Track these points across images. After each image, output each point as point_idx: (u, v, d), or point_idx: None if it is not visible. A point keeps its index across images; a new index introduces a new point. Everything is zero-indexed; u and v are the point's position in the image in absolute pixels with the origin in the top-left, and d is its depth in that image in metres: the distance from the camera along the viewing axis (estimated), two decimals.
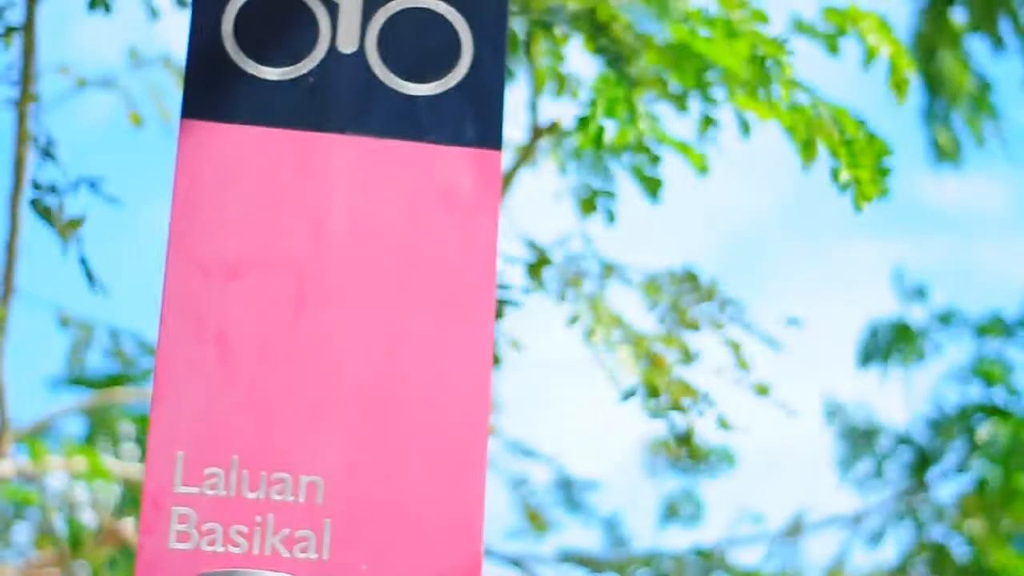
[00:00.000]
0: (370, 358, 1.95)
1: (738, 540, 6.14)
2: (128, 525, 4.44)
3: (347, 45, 2.05)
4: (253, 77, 2.03)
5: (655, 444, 7.05)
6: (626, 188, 3.23)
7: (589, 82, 3.15)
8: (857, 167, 2.74)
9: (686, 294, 3.12)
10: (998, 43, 6.21)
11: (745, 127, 3.02)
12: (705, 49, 2.87)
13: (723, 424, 2.89)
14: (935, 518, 6.55)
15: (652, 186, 3.19)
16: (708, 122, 3.14)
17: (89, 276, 3.29)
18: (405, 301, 1.98)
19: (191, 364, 1.93)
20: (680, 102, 3.05)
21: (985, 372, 6.82)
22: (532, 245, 3.23)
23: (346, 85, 2.03)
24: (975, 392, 6.83)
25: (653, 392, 2.91)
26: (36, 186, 3.47)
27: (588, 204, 3.29)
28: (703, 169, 3.09)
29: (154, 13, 3.76)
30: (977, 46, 6.41)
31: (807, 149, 2.79)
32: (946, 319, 7.00)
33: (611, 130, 2.79)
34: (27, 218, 4.10)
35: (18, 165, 3.99)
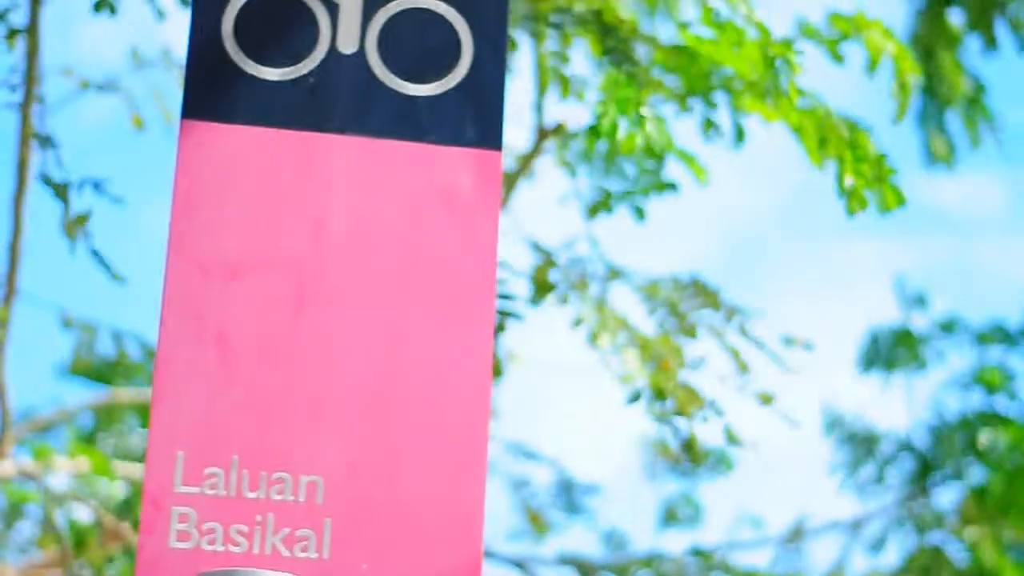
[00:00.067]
0: (370, 358, 1.96)
1: (738, 544, 6.13)
2: (131, 525, 4.45)
3: (347, 45, 2.06)
4: (253, 77, 2.03)
5: (655, 447, 7.04)
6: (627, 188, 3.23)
7: (594, 83, 3.16)
8: (860, 174, 2.74)
9: (687, 300, 3.12)
10: (991, 43, 6.21)
11: (740, 134, 3.02)
12: (711, 52, 2.87)
13: (731, 438, 2.89)
14: (935, 525, 6.54)
15: (664, 187, 3.19)
16: (710, 125, 3.14)
17: (104, 266, 3.30)
18: (405, 301, 1.98)
19: (191, 364, 1.94)
20: (684, 103, 3.05)
21: (986, 379, 6.82)
22: (537, 247, 3.23)
23: (346, 85, 2.04)
24: (976, 399, 6.83)
25: (659, 395, 2.91)
26: (45, 180, 3.48)
27: (603, 205, 3.29)
28: (704, 179, 3.09)
29: (160, 15, 3.76)
30: (972, 47, 6.41)
31: (818, 150, 2.79)
32: (948, 328, 6.99)
33: (623, 129, 2.79)
34: (30, 219, 4.10)
35: (21, 166, 4.00)
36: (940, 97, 6.45)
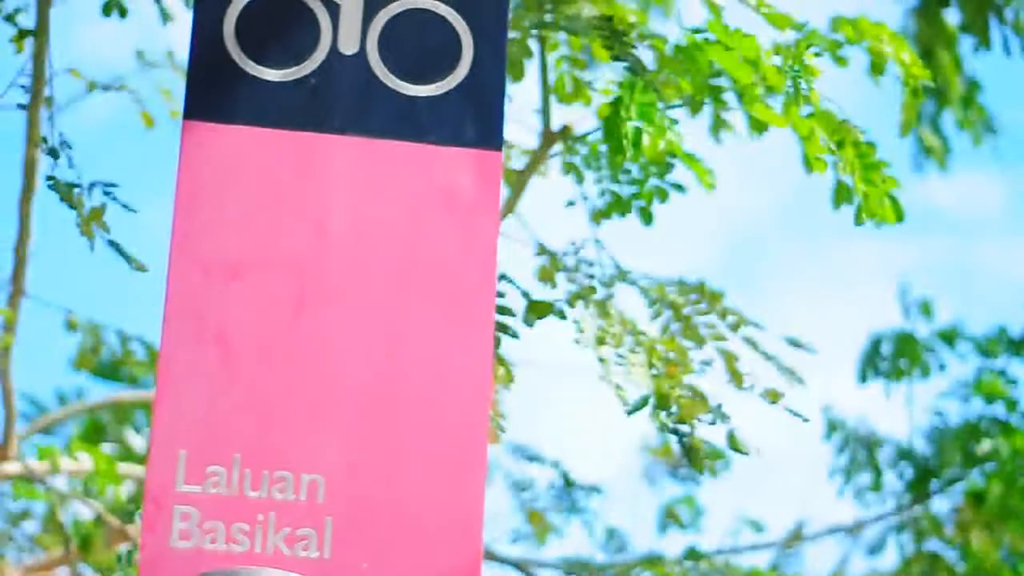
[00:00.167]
0: (370, 358, 1.96)
1: (738, 547, 6.12)
2: (135, 525, 4.45)
3: (348, 46, 2.06)
4: (255, 78, 2.04)
5: (655, 451, 7.04)
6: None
7: (598, 86, 3.16)
8: (871, 182, 2.74)
9: (692, 303, 3.12)
10: (985, 44, 6.20)
11: (756, 125, 3.00)
12: (720, 59, 2.87)
13: (734, 445, 2.88)
14: (934, 531, 6.54)
15: (661, 193, 3.19)
16: (720, 124, 3.14)
17: (124, 256, 3.30)
18: (405, 301, 1.98)
19: (193, 364, 1.94)
20: (696, 105, 3.05)
21: (987, 387, 6.81)
22: (543, 249, 3.23)
23: (347, 86, 2.04)
24: (977, 406, 6.82)
25: (663, 405, 2.90)
26: (51, 180, 3.48)
27: (616, 207, 3.28)
28: (710, 186, 3.09)
29: (166, 17, 3.77)
30: (967, 48, 6.41)
31: (822, 156, 2.79)
32: (950, 338, 6.98)
33: (646, 137, 2.79)
34: (36, 221, 4.11)
35: (28, 168, 4.00)
36: (936, 97, 6.45)
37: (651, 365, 2.95)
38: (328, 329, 1.97)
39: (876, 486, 6.78)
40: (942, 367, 6.99)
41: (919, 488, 6.69)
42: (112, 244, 3.31)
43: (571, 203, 3.43)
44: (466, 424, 1.95)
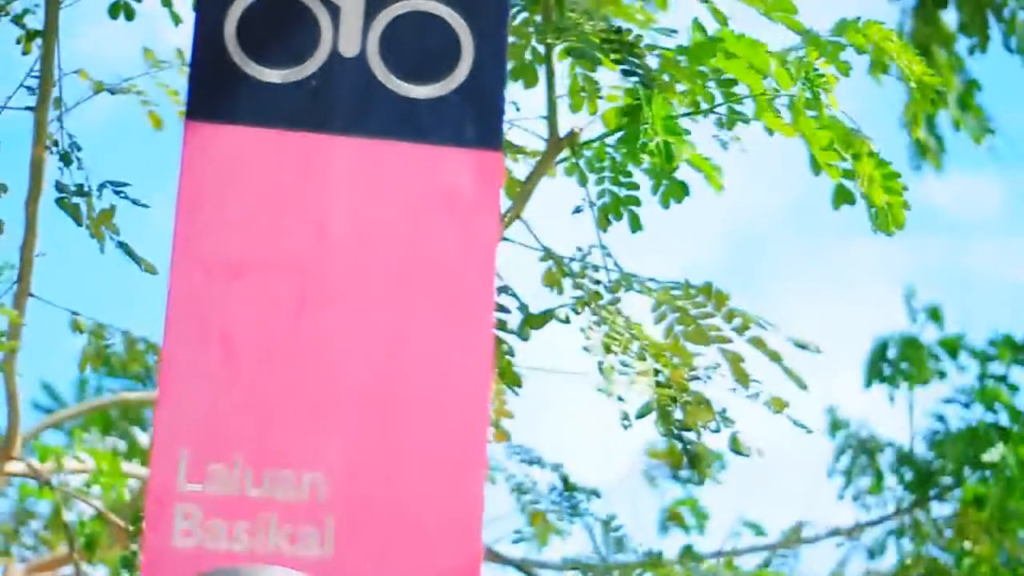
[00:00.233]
0: (371, 358, 1.97)
1: (738, 549, 6.12)
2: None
3: (349, 48, 2.07)
4: (256, 80, 2.05)
5: (656, 454, 7.03)
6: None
7: (603, 92, 3.16)
8: (892, 192, 2.76)
9: (698, 306, 3.11)
10: (983, 47, 6.20)
11: (769, 118, 2.99)
12: (728, 68, 2.87)
13: (736, 447, 2.89)
14: (934, 535, 6.53)
15: (677, 193, 3.19)
16: (735, 117, 3.13)
17: (134, 259, 3.31)
18: (406, 301, 1.99)
19: (195, 363, 1.95)
20: (699, 108, 3.05)
21: (991, 393, 6.80)
22: (548, 253, 3.23)
23: (348, 88, 2.05)
24: (979, 411, 6.82)
25: (667, 415, 2.90)
26: (60, 188, 3.49)
27: (612, 208, 3.29)
28: (719, 187, 3.09)
29: (176, 19, 3.78)
30: (964, 48, 6.41)
31: (830, 166, 2.80)
32: (953, 348, 6.97)
33: (675, 149, 2.80)
34: (43, 222, 4.11)
35: (35, 169, 4.01)
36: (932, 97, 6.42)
37: (656, 372, 2.95)
38: (329, 329, 1.97)
39: (876, 489, 6.78)
40: (943, 375, 6.98)
41: (919, 492, 6.69)
42: (122, 246, 3.32)
43: (578, 210, 3.43)
44: (466, 424, 1.96)
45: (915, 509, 6.63)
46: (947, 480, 6.66)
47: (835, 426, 6.86)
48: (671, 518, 6.85)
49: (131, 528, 3.67)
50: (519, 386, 3.02)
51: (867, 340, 7.06)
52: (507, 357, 2.98)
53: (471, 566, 1.94)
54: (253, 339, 1.96)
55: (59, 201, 3.44)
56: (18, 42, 3.92)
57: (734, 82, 2.95)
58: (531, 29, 3.10)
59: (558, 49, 3.20)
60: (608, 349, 2.92)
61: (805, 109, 2.84)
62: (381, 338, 1.98)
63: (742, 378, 2.93)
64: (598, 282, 3.18)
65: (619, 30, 2.96)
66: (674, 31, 2.98)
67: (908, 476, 6.76)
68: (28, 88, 3.85)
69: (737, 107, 3.02)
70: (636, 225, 3.26)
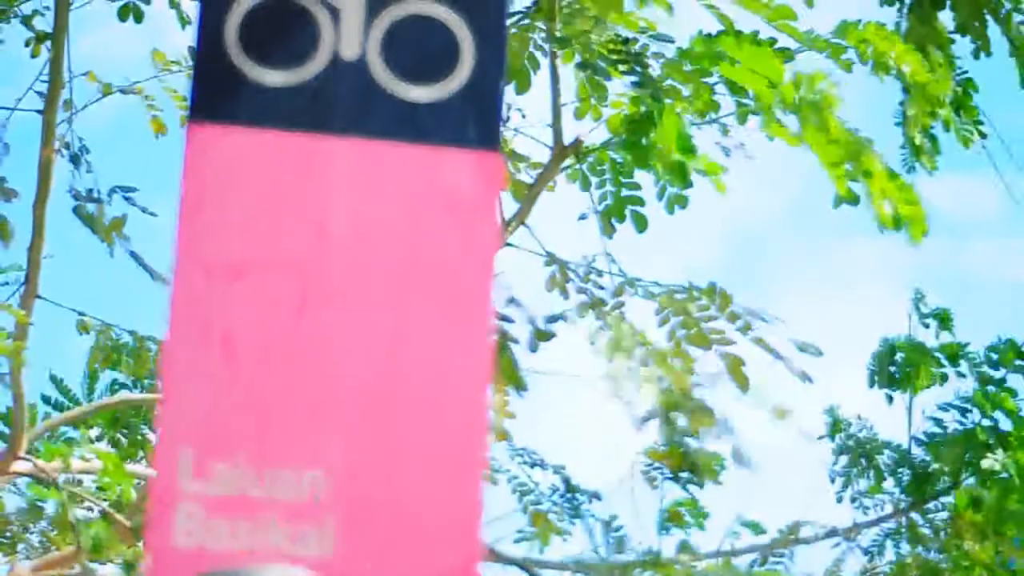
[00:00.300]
0: (371, 358, 1.98)
1: (736, 549, 6.12)
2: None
3: (349, 51, 2.08)
4: (258, 82, 2.06)
5: (658, 454, 7.03)
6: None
7: (606, 98, 3.17)
8: (910, 203, 2.76)
9: (701, 308, 3.12)
10: (986, 49, 6.18)
11: (775, 128, 3.00)
12: (736, 77, 2.88)
13: (739, 458, 2.89)
14: (931, 537, 6.53)
15: (682, 200, 3.20)
16: (745, 111, 3.14)
17: (143, 267, 3.33)
18: (406, 302, 2.00)
19: (197, 364, 1.96)
20: (704, 116, 3.06)
21: (993, 397, 6.79)
22: (553, 258, 3.24)
23: (348, 90, 2.06)
24: (977, 415, 6.81)
25: (671, 425, 2.91)
26: (75, 196, 3.50)
27: (615, 210, 3.29)
28: (723, 190, 3.10)
29: (184, 21, 3.79)
30: (961, 49, 6.39)
31: (844, 184, 2.80)
32: (954, 355, 6.96)
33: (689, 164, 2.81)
34: (50, 224, 4.13)
35: (43, 171, 4.02)
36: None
37: (659, 378, 2.96)
38: (329, 329, 1.98)
39: (875, 490, 6.78)
40: (944, 379, 6.98)
41: (917, 494, 6.69)
42: (133, 255, 3.34)
43: (583, 216, 3.44)
44: (466, 424, 1.97)
45: (912, 511, 6.63)
46: (944, 482, 6.67)
47: (835, 427, 6.86)
48: (671, 518, 6.85)
49: (135, 527, 3.68)
50: (524, 389, 3.03)
51: (867, 340, 7.07)
52: (511, 361, 3.00)
53: (470, 566, 1.94)
54: (254, 339, 1.97)
55: (75, 209, 3.45)
56: (27, 44, 3.92)
57: (743, 91, 2.96)
58: (532, 35, 3.12)
59: (561, 56, 3.21)
60: (613, 355, 2.93)
61: (811, 119, 2.85)
62: (381, 338, 1.99)
63: (742, 383, 2.94)
64: (602, 287, 3.19)
65: (626, 40, 2.97)
66: (671, 39, 2.99)
67: (906, 477, 6.76)
68: (39, 93, 3.86)
69: (743, 114, 3.03)
70: (641, 225, 3.27)
